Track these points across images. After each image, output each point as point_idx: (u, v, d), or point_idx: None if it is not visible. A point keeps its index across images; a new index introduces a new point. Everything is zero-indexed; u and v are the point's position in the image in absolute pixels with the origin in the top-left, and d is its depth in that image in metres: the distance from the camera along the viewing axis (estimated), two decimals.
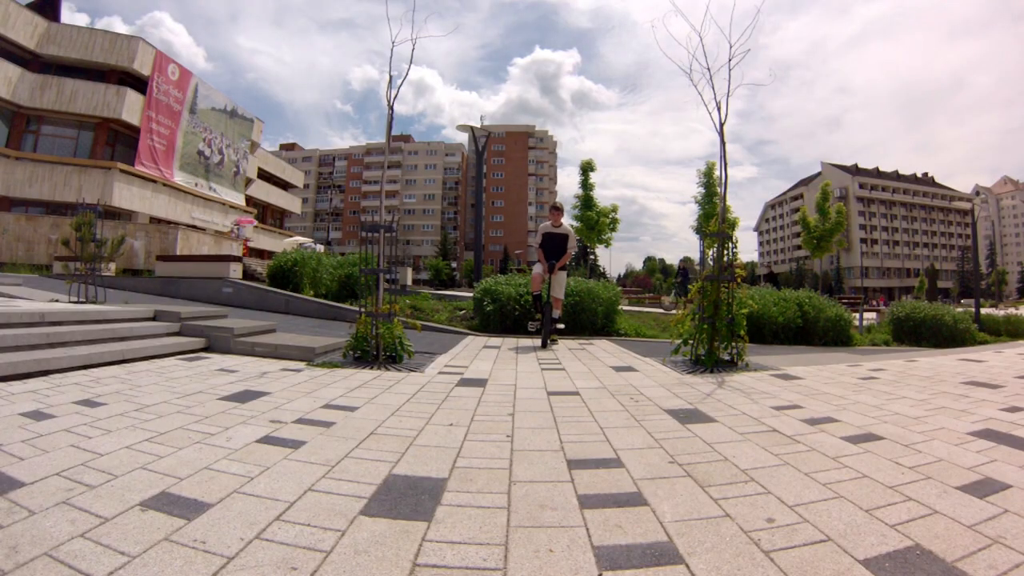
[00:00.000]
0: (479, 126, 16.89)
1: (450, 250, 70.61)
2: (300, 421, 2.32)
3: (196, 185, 24.45)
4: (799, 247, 42.28)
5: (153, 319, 4.89)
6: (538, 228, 6.16)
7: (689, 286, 4.65)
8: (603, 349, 5.55)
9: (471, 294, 9.46)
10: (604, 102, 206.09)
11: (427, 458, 1.85)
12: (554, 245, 5.90)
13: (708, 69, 4.14)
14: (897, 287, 70.16)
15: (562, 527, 1.31)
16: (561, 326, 6.04)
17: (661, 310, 12.25)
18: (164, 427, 2.13)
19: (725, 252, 4.20)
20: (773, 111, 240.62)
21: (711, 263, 4.24)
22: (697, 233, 20.35)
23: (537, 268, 5.89)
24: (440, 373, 3.74)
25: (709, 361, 3.97)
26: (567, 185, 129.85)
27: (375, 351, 4.05)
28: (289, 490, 1.52)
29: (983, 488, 1.55)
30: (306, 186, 58.61)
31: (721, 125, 4.23)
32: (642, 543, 1.23)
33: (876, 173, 78.65)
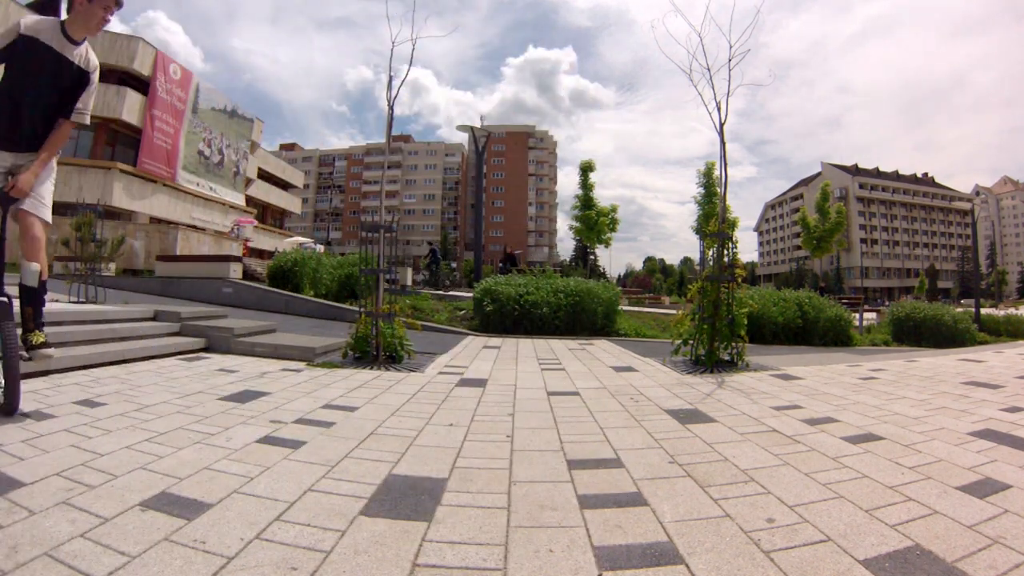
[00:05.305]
0: (479, 126, 16.91)
1: (450, 250, 70.59)
2: (300, 421, 2.32)
3: (197, 185, 24.45)
4: (799, 247, 42.26)
5: (153, 319, 4.89)
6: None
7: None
8: (603, 349, 5.55)
9: (471, 294, 9.47)
10: (602, 101, 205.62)
11: (427, 458, 1.85)
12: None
13: (708, 69, 4.15)
14: (897, 287, 70.10)
15: (562, 527, 1.31)
16: None
17: (660, 310, 12.26)
18: (164, 427, 2.13)
19: (725, 252, 4.20)
20: (773, 111, 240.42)
21: (711, 263, 4.25)
22: (697, 233, 20.35)
23: None
24: (440, 373, 3.74)
25: (709, 361, 3.97)
26: (566, 185, 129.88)
27: (375, 351, 4.05)
28: (289, 490, 1.51)
29: (983, 488, 1.55)
30: (306, 186, 58.54)
31: (721, 125, 4.23)
32: (642, 543, 1.23)
33: (876, 173, 78.62)
